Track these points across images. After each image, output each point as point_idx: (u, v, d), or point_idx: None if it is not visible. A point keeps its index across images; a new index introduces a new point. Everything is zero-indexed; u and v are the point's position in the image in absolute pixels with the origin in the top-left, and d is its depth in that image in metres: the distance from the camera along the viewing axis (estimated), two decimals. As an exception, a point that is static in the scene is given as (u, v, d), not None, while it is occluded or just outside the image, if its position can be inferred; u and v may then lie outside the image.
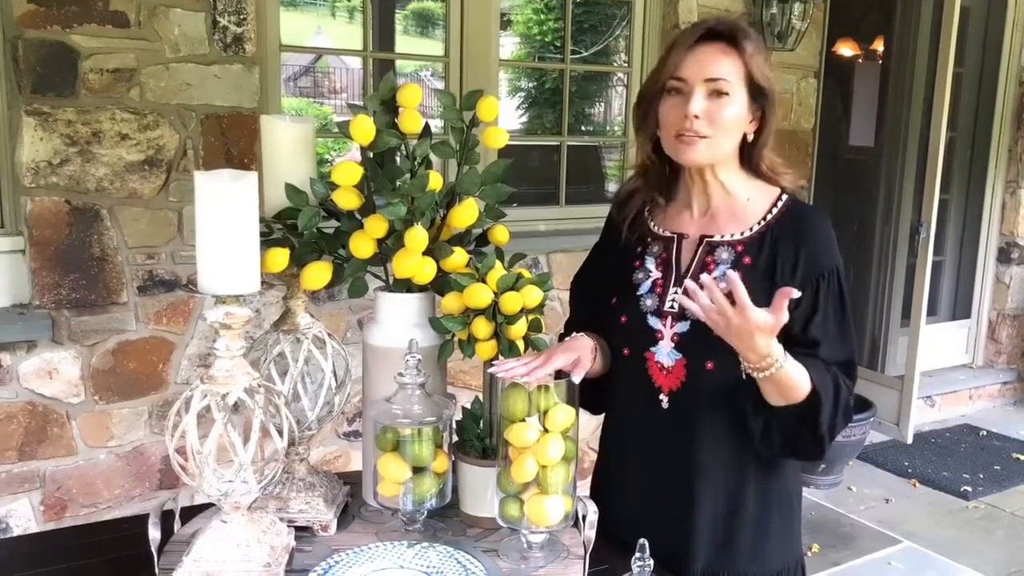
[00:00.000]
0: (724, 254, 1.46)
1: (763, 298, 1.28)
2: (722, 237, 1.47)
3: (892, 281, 4.99)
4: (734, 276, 1.27)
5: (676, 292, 1.45)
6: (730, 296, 1.26)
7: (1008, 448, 4.56)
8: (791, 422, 1.37)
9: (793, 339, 1.37)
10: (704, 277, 1.29)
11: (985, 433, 4.77)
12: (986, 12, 5.03)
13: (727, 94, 1.39)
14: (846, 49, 5.40)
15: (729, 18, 1.47)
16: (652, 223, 1.55)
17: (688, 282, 1.31)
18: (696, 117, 1.39)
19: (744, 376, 1.36)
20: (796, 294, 1.27)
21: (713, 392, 1.43)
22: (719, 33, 1.42)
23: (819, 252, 1.43)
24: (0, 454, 2.59)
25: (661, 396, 1.46)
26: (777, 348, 1.30)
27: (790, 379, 1.33)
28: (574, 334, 1.50)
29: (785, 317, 1.27)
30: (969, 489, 4.03)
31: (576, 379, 1.38)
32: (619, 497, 1.54)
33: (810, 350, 1.39)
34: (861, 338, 4.95)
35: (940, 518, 3.79)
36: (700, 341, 1.41)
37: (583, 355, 1.43)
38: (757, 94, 1.43)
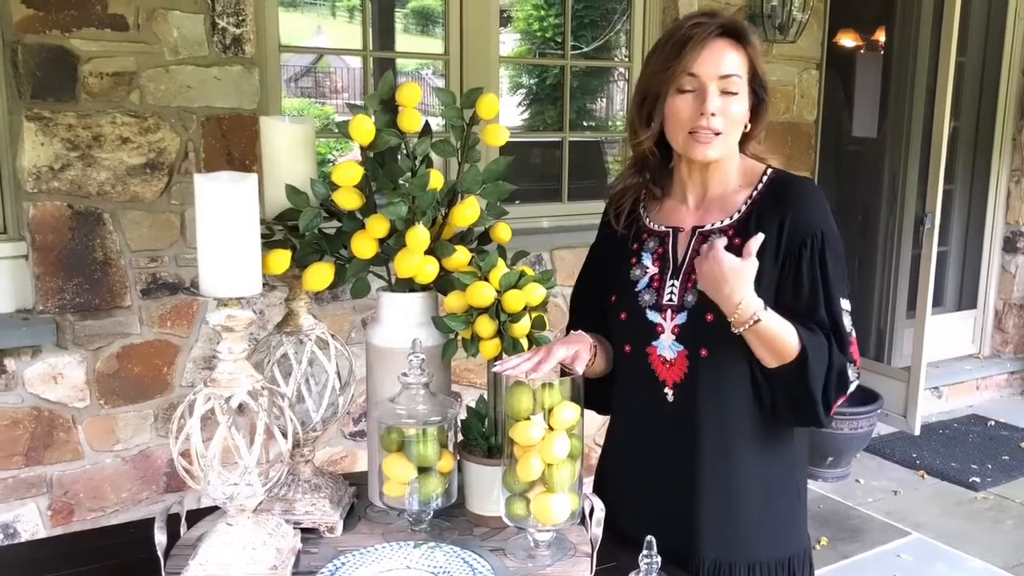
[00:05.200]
0: (717, 241, 1.46)
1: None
2: (712, 225, 1.48)
3: (897, 272, 4.97)
4: (713, 241, 1.37)
5: (673, 285, 1.47)
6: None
7: (1016, 438, 4.54)
8: (787, 383, 1.40)
9: (777, 307, 1.38)
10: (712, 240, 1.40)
11: (993, 423, 4.75)
12: (988, 0, 5.00)
13: (736, 92, 1.43)
14: (847, 40, 5.37)
15: (732, 15, 1.51)
16: (647, 219, 1.56)
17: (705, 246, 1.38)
18: (713, 115, 1.41)
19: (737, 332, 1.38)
20: (761, 237, 1.36)
21: (716, 381, 1.44)
22: (727, 29, 1.44)
23: (802, 219, 1.43)
24: (7, 459, 2.59)
25: (666, 390, 1.47)
26: (753, 297, 1.34)
27: (772, 332, 1.35)
28: (572, 332, 1.50)
29: (754, 262, 1.33)
30: (977, 480, 4.02)
31: (579, 369, 1.38)
32: (624, 492, 1.54)
33: (794, 316, 1.39)
34: (867, 330, 4.93)
35: (949, 509, 3.78)
36: (697, 330, 1.43)
37: (582, 349, 1.43)
38: (757, 86, 1.47)
